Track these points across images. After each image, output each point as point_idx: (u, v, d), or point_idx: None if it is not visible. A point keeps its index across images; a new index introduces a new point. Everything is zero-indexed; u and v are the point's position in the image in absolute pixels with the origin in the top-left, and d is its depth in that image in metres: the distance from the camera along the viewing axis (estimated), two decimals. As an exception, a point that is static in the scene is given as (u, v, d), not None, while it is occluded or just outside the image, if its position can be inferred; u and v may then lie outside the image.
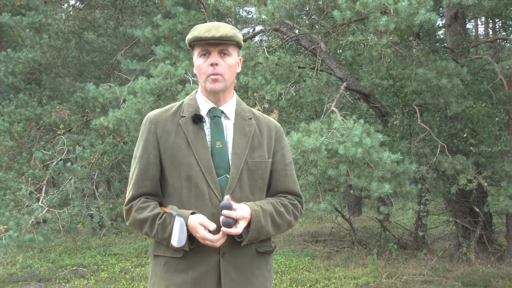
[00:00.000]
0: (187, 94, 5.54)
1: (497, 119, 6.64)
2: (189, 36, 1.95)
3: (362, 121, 5.63)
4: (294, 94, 6.87)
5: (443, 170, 6.42)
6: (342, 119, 5.82)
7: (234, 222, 1.79)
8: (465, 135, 6.87)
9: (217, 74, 1.91)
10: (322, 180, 6.05)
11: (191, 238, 1.84)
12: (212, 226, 1.80)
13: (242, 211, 1.82)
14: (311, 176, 5.40)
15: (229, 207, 1.80)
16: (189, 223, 1.81)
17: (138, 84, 6.37)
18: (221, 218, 1.79)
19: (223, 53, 1.92)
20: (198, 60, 1.94)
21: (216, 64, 1.90)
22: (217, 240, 1.80)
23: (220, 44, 1.90)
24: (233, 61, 1.94)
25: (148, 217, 1.88)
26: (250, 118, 2.03)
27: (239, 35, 1.95)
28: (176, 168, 1.91)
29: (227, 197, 1.83)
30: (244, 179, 1.93)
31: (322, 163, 5.29)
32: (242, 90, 6.38)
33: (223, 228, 1.79)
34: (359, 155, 5.00)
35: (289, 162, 2.08)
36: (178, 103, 2.06)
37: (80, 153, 7.44)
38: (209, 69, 1.91)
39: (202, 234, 1.79)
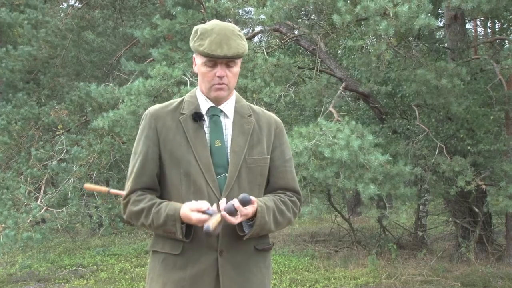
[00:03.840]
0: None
1: (492, 117, 6.62)
2: (197, 47, 1.89)
3: (353, 122, 5.61)
4: (294, 96, 6.87)
5: (441, 172, 6.41)
6: (338, 120, 5.82)
7: (236, 213, 1.80)
8: (461, 135, 6.86)
9: (222, 84, 1.91)
10: (312, 183, 6.05)
11: (187, 231, 1.85)
12: (205, 206, 1.80)
13: (248, 209, 1.82)
14: (299, 178, 5.39)
15: (247, 202, 1.79)
16: (181, 214, 1.82)
17: (135, 85, 6.37)
18: (229, 204, 1.79)
19: (229, 64, 1.91)
20: (203, 67, 1.92)
21: (223, 76, 1.90)
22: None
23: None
24: (238, 69, 1.94)
25: (144, 208, 1.89)
26: (249, 115, 2.02)
27: (246, 44, 1.94)
28: (175, 165, 1.92)
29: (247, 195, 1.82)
30: (243, 177, 1.93)
31: (312, 166, 5.28)
32: (241, 91, 6.38)
33: (223, 213, 1.79)
34: (345, 158, 4.99)
35: (288, 159, 2.07)
36: (178, 99, 2.05)
37: (75, 154, 7.43)
38: (215, 79, 1.91)
39: (197, 217, 1.78)
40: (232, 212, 1.79)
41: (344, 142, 5.04)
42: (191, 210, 1.80)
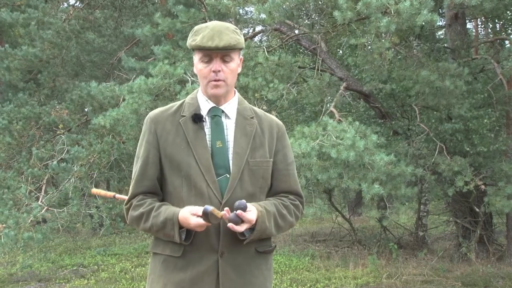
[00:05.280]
0: (187, 94, 5.53)
1: (485, 120, 6.60)
2: (191, 42, 1.91)
3: (357, 123, 5.60)
4: (296, 94, 6.85)
5: (440, 172, 6.40)
6: (340, 120, 5.81)
7: (240, 222, 1.79)
8: (459, 137, 6.85)
9: (219, 80, 1.90)
10: (314, 184, 6.04)
11: (187, 233, 1.85)
12: (200, 210, 1.79)
13: (251, 215, 1.81)
14: (303, 180, 5.37)
15: (244, 208, 1.79)
16: (180, 217, 1.81)
17: (136, 83, 6.35)
18: (231, 214, 1.79)
19: (225, 59, 1.90)
20: (199, 64, 1.92)
21: (219, 71, 1.89)
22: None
23: (223, 51, 1.89)
24: (235, 65, 1.93)
25: (143, 212, 1.90)
26: (252, 117, 2.02)
27: (241, 39, 1.93)
28: (176, 168, 1.91)
29: (243, 201, 1.83)
30: (245, 179, 1.92)
31: (316, 167, 5.26)
32: (242, 90, 6.37)
33: (229, 224, 1.78)
34: (351, 158, 4.98)
35: (291, 162, 2.07)
36: (179, 102, 2.05)
37: (75, 153, 7.43)
38: (211, 75, 1.90)
39: (195, 222, 1.78)
40: (237, 221, 1.79)
41: (350, 142, 5.02)
42: (191, 214, 1.79)
